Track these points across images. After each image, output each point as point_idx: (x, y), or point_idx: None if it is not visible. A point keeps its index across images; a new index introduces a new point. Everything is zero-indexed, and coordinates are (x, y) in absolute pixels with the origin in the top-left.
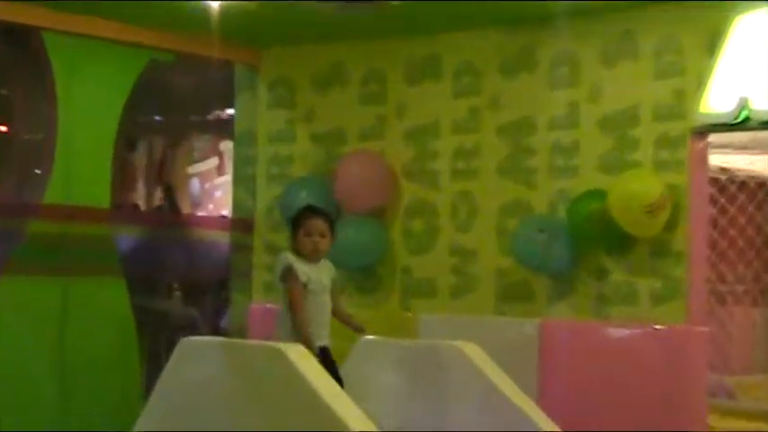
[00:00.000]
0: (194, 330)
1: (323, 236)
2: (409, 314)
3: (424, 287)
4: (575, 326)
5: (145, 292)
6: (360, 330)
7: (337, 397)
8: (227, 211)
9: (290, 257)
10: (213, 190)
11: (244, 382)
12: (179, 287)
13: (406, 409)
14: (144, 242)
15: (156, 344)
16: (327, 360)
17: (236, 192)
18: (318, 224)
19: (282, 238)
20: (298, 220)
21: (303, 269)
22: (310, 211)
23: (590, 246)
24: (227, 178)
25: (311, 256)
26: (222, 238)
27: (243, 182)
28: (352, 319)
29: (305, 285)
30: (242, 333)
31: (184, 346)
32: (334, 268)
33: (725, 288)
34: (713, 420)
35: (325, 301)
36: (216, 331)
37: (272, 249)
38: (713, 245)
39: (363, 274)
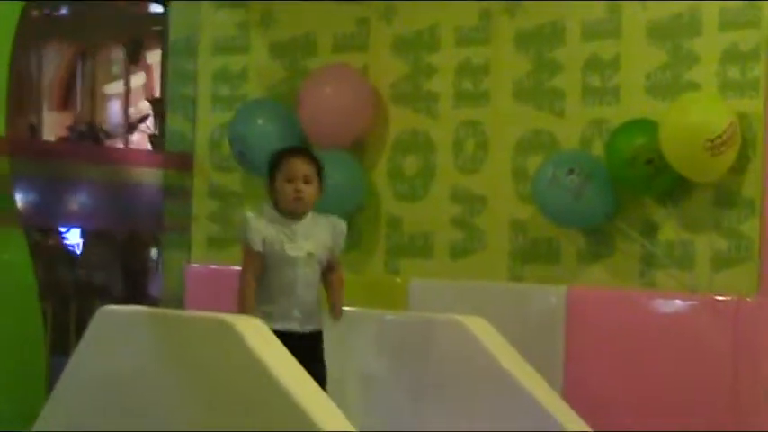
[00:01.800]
0: (115, 298)
1: (308, 182)
2: (397, 279)
3: (416, 245)
4: (611, 295)
5: (51, 249)
6: (334, 318)
7: (299, 382)
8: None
9: (249, 215)
10: (139, 116)
11: (178, 364)
12: (95, 242)
13: (390, 399)
14: (48, 183)
15: (65, 315)
16: (304, 351)
17: (169, 118)
18: (302, 166)
19: (232, 178)
20: (275, 164)
21: (267, 229)
22: (291, 151)
23: (634, 192)
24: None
25: (293, 208)
26: (152, 179)
27: (179, 105)
28: (336, 303)
29: (261, 251)
30: (177, 301)
31: (102, 318)
32: (342, 226)
33: None
34: None
35: (307, 273)
36: (143, 299)
37: (218, 194)
38: None
39: None
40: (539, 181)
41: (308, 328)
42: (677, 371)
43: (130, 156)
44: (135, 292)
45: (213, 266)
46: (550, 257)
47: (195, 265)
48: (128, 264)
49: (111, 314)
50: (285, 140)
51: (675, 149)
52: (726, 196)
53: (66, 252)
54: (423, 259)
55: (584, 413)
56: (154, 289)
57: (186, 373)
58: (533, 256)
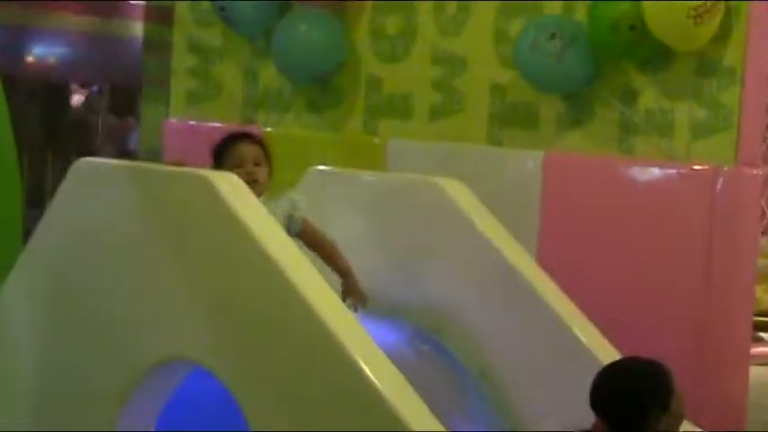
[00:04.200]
0: (93, 149)
1: (257, 164)
2: (375, 139)
3: (395, 105)
4: (589, 161)
5: (26, 96)
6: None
7: (275, 237)
8: None
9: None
10: None
11: (156, 218)
12: (72, 92)
13: (365, 259)
14: (22, 31)
15: (41, 166)
16: None
17: None
18: (249, 150)
19: (212, 33)
20: (220, 152)
21: None
22: (237, 135)
23: (615, 59)
24: None
25: None
26: (131, 32)
27: None
28: (350, 285)
29: None
30: (155, 155)
31: (80, 170)
32: (297, 202)
33: None
34: (761, 291)
35: None
36: (122, 152)
37: (198, 49)
38: None
39: (317, 87)
40: (520, 45)
41: None
42: (652, 237)
43: (110, 7)
44: (114, 144)
45: (191, 122)
46: (530, 122)
47: (173, 120)
48: (106, 116)
49: (89, 166)
50: None
51: (658, 17)
52: (707, 65)
53: (43, 100)
54: (402, 120)
55: (557, 273)
56: (133, 142)
57: (161, 225)
58: (512, 120)
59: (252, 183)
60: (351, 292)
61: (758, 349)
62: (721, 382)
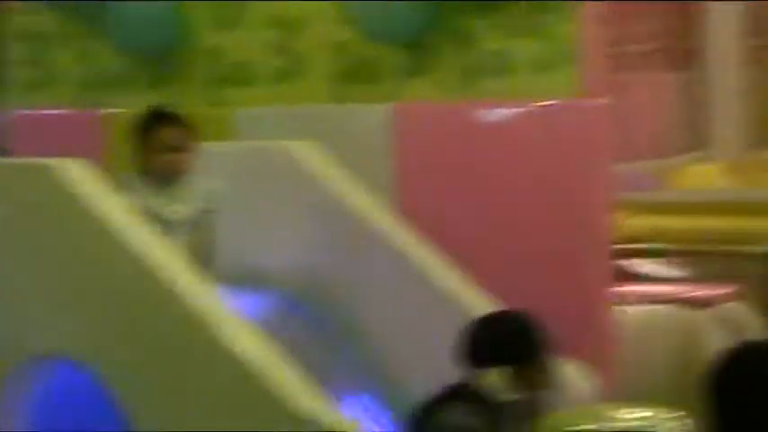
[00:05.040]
0: None
1: (180, 149)
2: (222, 110)
3: (237, 73)
4: (436, 108)
5: None
6: None
7: (128, 223)
8: None
9: (134, 182)
10: None
11: (4, 211)
12: None
13: (223, 233)
14: None
15: None
16: None
17: None
18: (172, 134)
19: (44, 19)
20: (141, 132)
21: (148, 197)
22: (157, 117)
23: (451, 5)
24: None
25: (168, 178)
26: None
27: None
28: None
29: None
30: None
31: None
32: (216, 188)
33: (628, 49)
34: (626, 218)
35: (180, 240)
36: None
37: (32, 37)
38: None
39: (156, 62)
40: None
41: None
42: (504, 176)
43: None
44: None
45: (30, 112)
46: (374, 76)
47: (16, 111)
48: None
49: None
50: None
51: None
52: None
53: None
54: (246, 88)
55: (417, 228)
56: None
57: (9, 219)
58: (356, 76)
59: (174, 171)
60: None
61: (633, 288)
62: (586, 316)
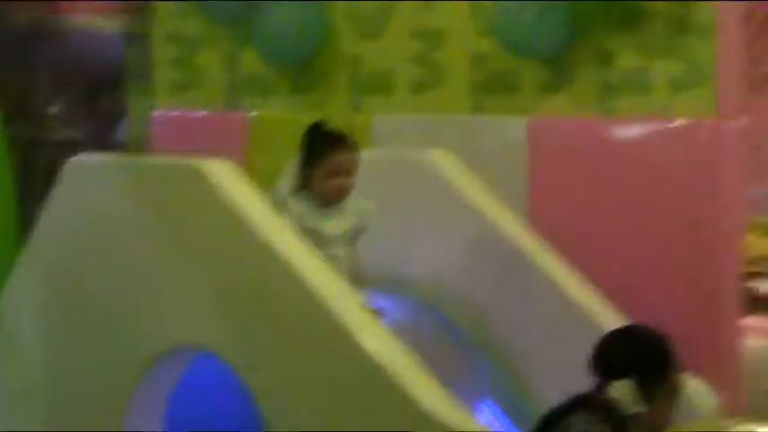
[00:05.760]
0: (81, 149)
1: (351, 173)
2: (361, 117)
3: (378, 82)
4: (572, 124)
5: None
6: None
7: (275, 224)
8: None
9: (290, 200)
10: None
11: (152, 210)
12: (55, 94)
13: (360, 239)
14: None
15: (34, 173)
16: None
17: None
18: (346, 160)
19: (192, 24)
20: (315, 152)
21: (306, 214)
22: (336, 140)
23: (591, 21)
24: None
25: (334, 201)
26: (111, 26)
27: None
28: None
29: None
30: (143, 148)
31: (73, 169)
32: (369, 207)
33: (764, 69)
34: (752, 239)
35: (338, 254)
36: (110, 147)
37: (177, 40)
38: (749, 16)
39: (299, 70)
40: (497, 12)
41: None
42: (637, 193)
43: (83, 6)
44: (101, 141)
45: (176, 113)
46: (511, 89)
47: (159, 111)
48: (91, 114)
49: (81, 164)
50: None
51: None
52: (680, 22)
53: (25, 106)
54: (385, 96)
55: (549, 241)
56: (120, 135)
57: (157, 217)
58: (494, 87)
59: (340, 195)
60: None
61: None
62: (714, 334)
